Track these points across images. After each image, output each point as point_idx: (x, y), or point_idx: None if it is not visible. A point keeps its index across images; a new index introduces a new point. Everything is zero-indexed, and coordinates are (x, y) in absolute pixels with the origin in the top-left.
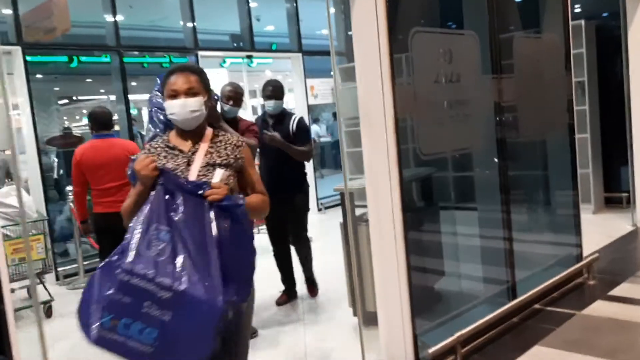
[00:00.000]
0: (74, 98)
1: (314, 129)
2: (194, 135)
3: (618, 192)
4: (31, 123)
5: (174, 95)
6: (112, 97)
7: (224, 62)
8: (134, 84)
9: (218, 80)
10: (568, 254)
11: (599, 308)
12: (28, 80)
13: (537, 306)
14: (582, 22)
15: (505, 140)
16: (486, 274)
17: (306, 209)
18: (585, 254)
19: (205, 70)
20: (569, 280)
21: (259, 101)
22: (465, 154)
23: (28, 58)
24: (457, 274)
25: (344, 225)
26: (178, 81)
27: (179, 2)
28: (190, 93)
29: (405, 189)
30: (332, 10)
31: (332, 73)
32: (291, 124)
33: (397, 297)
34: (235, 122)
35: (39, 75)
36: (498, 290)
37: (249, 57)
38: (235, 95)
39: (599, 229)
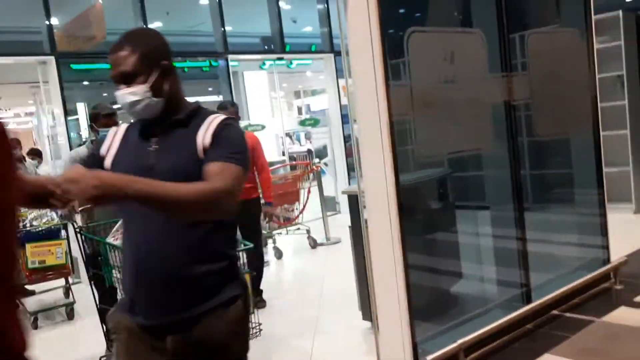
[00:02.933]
0: None
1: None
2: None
3: None
4: (65, 130)
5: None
6: None
7: (264, 64)
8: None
9: (259, 82)
10: (593, 257)
11: (622, 315)
12: (62, 89)
13: (555, 312)
14: (620, 12)
15: (516, 139)
16: (501, 276)
17: None
18: (620, 255)
19: (247, 72)
20: (593, 284)
21: (303, 101)
22: (475, 154)
23: (74, 66)
24: (470, 276)
25: (353, 228)
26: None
27: (209, 8)
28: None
29: (416, 190)
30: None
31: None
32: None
33: (395, 302)
34: None
35: (85, 82)
36: (512, 295)
37: (280, 59)
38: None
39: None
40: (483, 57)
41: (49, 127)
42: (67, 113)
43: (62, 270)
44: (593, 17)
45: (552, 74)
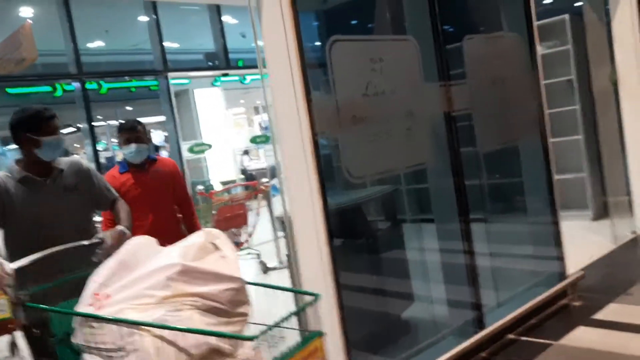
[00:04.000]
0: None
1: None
2: None
3: (623, 195)
4: None
5: None
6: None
7: (216, 81)
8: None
9: (212, 99)
10: (548, 271)
11: (580, 336)
12: None
13: (511, 336)
14: (567, 16)
15: (458, 150)
16: (452, 297)
17: None
18: (578, 267)
19: (197, 90)
20: (550, 302)
21: (262, 117)
22: (418, 169)
23: (10, 90)
24: (420, 298)
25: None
26: None
27: (147, 26)
28: None
29: (357, 209)
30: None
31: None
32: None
33: (330, 334)
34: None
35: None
36: (464, 320)
37: (225, 74)
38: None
39: (597, 237)
40: (417, 66)
41: None
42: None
43: (7, 326)
44: (535, 22)
45: (493, 81)
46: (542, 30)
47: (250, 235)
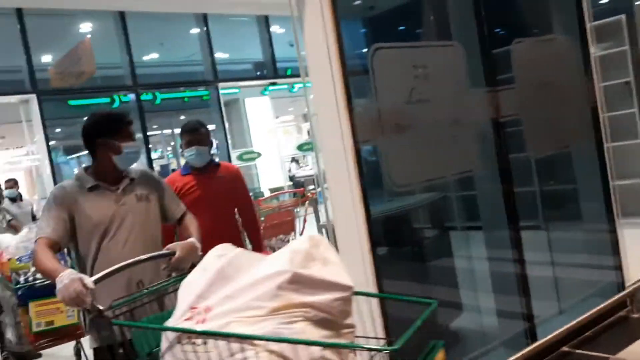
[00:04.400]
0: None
1: None
2: None
3: None
4: (49, 168)
5: None
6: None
7: (265, 90)
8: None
9: (261, 107)
10: (606, 281)
11: (637, 350)
12: (44, 126)
13: (565, 349)
14: (623, 17)
15: (507, 157)
16: (502, 307)
17: None
18: (638, 277)
19: (248, 99)
20: (607, 314)
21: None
22: (466, 177)
23: (70, 102)
24: (470, 308)
25: None
26: None
27: (198, 37)
28: None
29: (402, 217)
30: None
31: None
32: None
33: None
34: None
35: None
36: (515, 331)
37: (274, 83)
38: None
39: None
40: (463, 71)
41: (33, 165)
42: (50, 151)
43: (76, 332)
44: (590, 22)
45: (544, 85)
46: (598, 31)
47: None
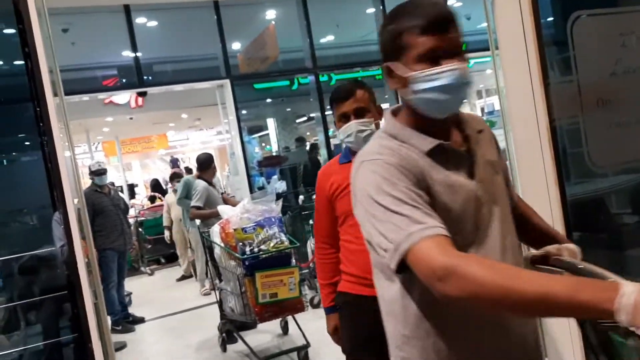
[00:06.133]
0: (312, 115)
1: None
2: None
3: None
4: (240, 147)
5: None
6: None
7: None
8: None
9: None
10: None
11: None
12: (237, 109)
13: None
14: None
15: None
16: None
17: None
18: None
19: None
20: None
21: (485, 101)
22: None
23: (257, 86)
24: None
25: None
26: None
27: (374, 17)
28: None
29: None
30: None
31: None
32: None
33: (567, 338)
34: None
35: (268, 100)
36: None
37: None
38: None
39: None
40: None
41: (221, 144)
42: (241, 131)
43: (296, 306)
44: None
45: None
46: None
47: None
